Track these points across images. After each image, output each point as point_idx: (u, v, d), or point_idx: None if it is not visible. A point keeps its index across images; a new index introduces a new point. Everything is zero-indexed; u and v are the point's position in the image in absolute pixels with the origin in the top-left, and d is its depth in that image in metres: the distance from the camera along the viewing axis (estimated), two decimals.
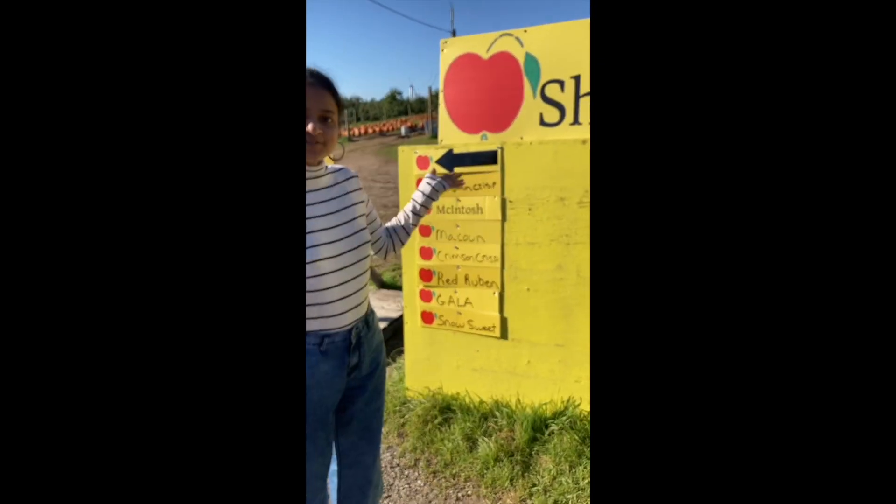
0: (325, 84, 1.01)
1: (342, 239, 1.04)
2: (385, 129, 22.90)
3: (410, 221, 1.33)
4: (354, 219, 1.10)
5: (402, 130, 20.56)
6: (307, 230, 1.00)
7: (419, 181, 2.02)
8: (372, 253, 1.28)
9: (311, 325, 1.03)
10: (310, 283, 1.00)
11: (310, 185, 1.04)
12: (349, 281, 1.06)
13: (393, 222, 1.34)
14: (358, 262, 1.08)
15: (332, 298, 1.03)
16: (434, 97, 21.96)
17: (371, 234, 1.25)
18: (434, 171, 1.42)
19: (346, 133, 22.06)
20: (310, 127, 0.98)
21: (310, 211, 1.01)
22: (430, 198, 1.34)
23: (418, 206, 1.33)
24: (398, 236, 1.32)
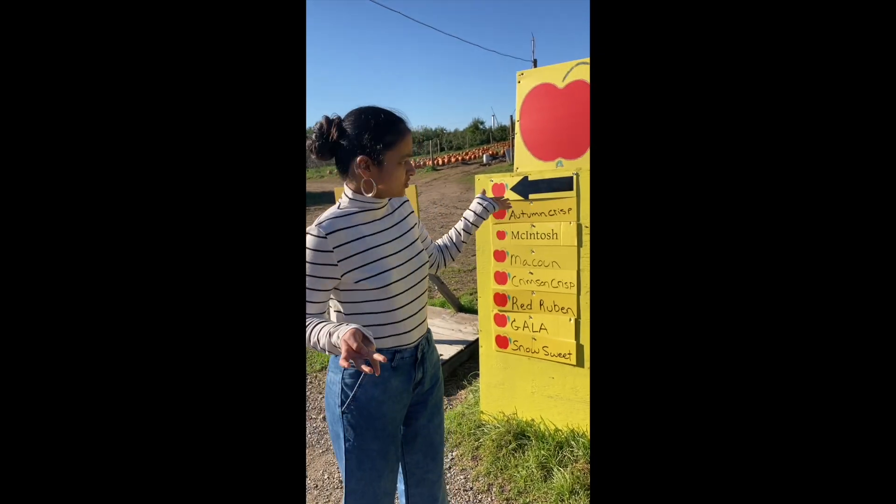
0: (410, 128, 1.11)
1: (407, 262, 1.13)
2: (467, 157, 23.45)
3: (462, 238, 1.39)
4: (413, 242, 1.18)
5: (484, 158, 20.91)
6: (377, 258, 1.07)
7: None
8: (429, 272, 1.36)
9: (385, 343, 1.11)
10: (383, 305, 1.08)
11: (375, 215, 1.12)
12: (415, 300, 1.14)
13: (444, 240, 1.40)
14: (421, 281, 1.16)
15: (404, 317, 1.12)
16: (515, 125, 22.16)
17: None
18: (483, 192, 1.50)
19: (430, 162, 22.91)
20: (410, 168, 1.10)
21: (377, 239, 1.09)
22: (481, 217, 1.40)
23: (469, 224, 1.40)
24: (449, 252, 1.39)
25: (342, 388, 1.11)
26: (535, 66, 20.03)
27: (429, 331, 1.25)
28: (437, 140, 40.01)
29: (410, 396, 1.20)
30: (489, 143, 34.68)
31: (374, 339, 1.08)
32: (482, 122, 44.84)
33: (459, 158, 23.31)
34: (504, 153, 20.96)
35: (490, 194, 2.10)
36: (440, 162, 23.18)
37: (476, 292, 4.21)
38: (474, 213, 1.40)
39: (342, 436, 1.13)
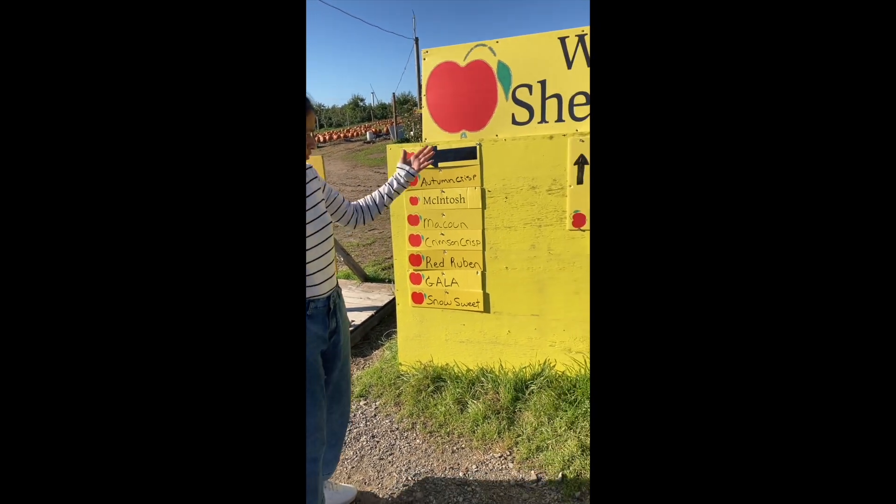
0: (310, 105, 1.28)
1: (311, 222, 1.29)
2: (350, 134, 22.91)
3: (384, 202, 1.60)
4: (316, 205, 1.33)
5: (368, 136, 20.60)
6: None
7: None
8: (342, 225, 1.56)
9: None
10: None
11: None
12: (322, 256, 1.31)
13: (366, 200, 1.60)
14: (325, 240, 1.33)
15: (312, 271, 1.29)
16: (398, 103, 22.12)
17: (335, 210, 1.51)
18: (405, 157, 1.68)
19: None
20: (311, 141, 1.27)
21: None
22: (402, 185, 1.63)
23: (392, 191, 1.62)
24: (369, 212, 1.59)
25: None
26: (417, 43, 20.09)
27: (338, 285, 1.43)
28: (317, 116, 38.22)
29: (326, 343, 1.37)
30: (370, 120, 34.15)
31: None
32: (362, 99, 43.87)
33: (342, 136, 22.70)
34: (387, 130, 20.88)
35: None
36: (322, 139, 22.34)
37: (378, 263, 4.37)
38: (398, 181, 1.62)
39: None
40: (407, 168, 1.64)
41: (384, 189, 1.61)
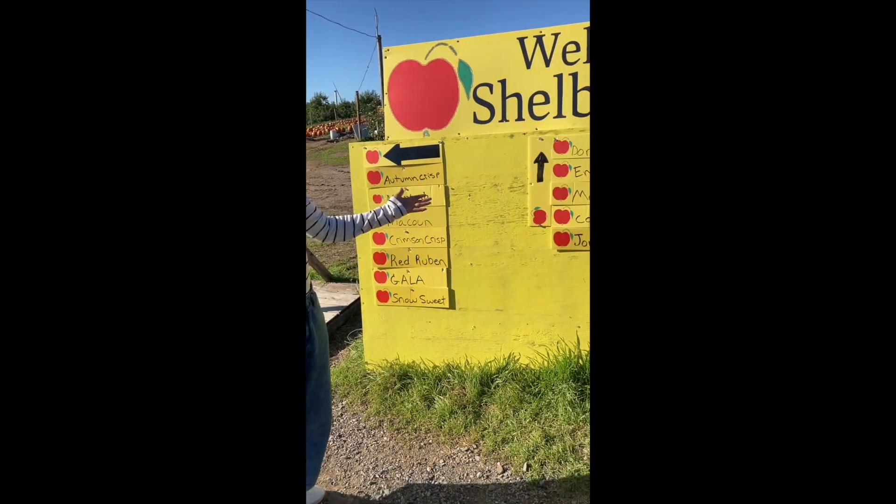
0: None
1: None
2: (313, 133, 22.45)
3: (363, 227, 1.53)
4: None
5: (331, 135, 20.24)
6: None
7: (370, 174, 2.26)
8: (311, 236, 1.48)
9: None
10: None
11: None
12: None
13: (345, 219, 1.52)
14: None
15: None
16: (362, 101, 21.86)
17: (307, 218, 1.40)
18: (401, 194, 1.64)
19: None
20: None
21: None
22: (389, 219, 1.57)
23: (376, 221, 1.55)
24: (345, 231, 1.50)
25: None
26: (380, 41, 19.92)
27: (313, 293, 1.40)
28: None
29: None
30: (334, 119, 33.62)
31: None
32: (325, 98, 43.04)
33: (305, 134, 22.22)
34: (351, 129, 20.62)
35: (364, 161, 2.26)
36: None
37: (343, 263, 4.33)
38: (386, 213, 1.56)
39: None
40: (398, 204, 1.59)
41: (369, 215, 1.54)
